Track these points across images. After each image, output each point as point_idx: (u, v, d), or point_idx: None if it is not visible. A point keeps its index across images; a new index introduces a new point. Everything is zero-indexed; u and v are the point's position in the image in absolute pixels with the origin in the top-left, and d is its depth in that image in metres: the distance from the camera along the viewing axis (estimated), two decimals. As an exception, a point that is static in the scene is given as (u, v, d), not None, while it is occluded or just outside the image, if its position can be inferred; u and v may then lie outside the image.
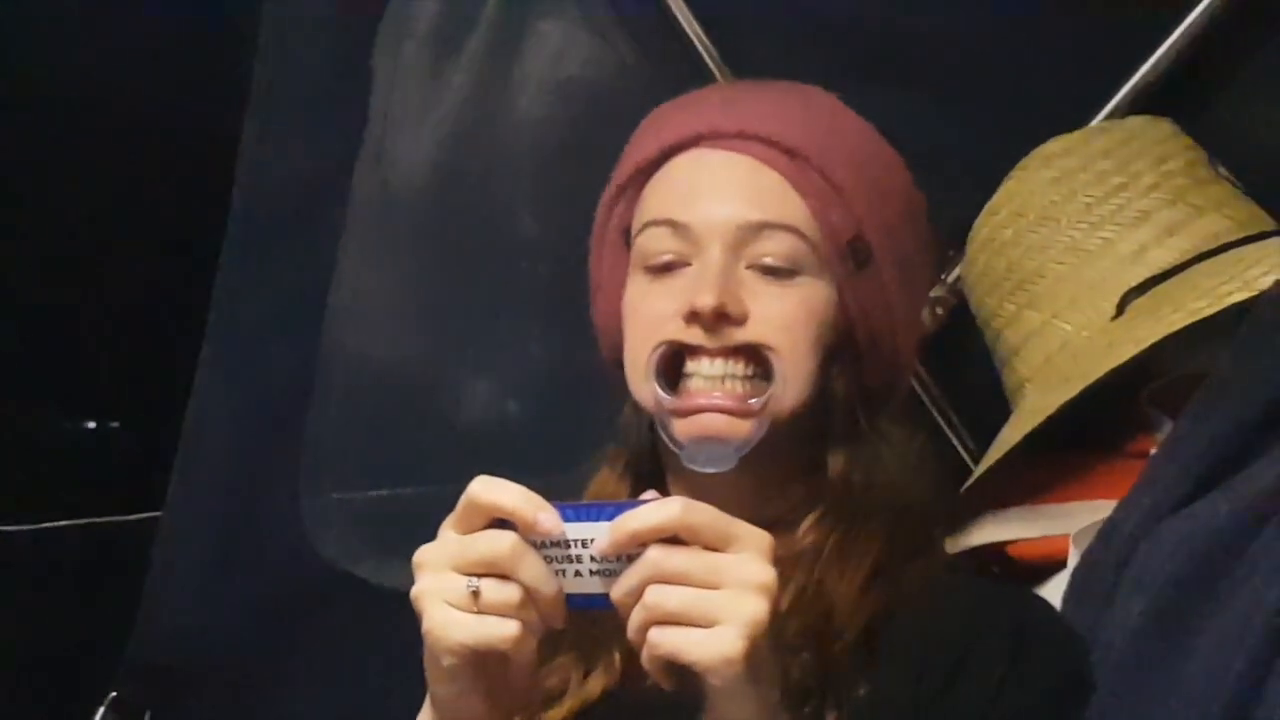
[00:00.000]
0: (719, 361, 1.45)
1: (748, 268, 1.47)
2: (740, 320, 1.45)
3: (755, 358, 1.46)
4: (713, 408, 1.44)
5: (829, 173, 1.50)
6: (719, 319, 1.44)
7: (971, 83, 2.07)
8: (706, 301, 1.43)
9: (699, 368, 1.46)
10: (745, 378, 1.45)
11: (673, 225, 1.49)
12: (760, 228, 1.47)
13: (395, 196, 2.26)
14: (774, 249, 1.47)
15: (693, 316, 1.44)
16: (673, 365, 1.47)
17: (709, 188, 1.49)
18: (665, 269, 1.49)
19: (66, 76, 2.26)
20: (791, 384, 1.46)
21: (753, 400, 1.44)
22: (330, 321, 2.26)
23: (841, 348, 1.50)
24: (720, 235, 1.47)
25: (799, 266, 1.47)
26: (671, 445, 1.46)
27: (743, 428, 1.44)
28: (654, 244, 1.50)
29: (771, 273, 1.47)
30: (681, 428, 1.45)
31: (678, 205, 1.49)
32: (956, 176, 1.96)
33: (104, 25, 2.27)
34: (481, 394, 2.26)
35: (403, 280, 2.28)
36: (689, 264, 1.48)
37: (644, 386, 1.48)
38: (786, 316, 1.46)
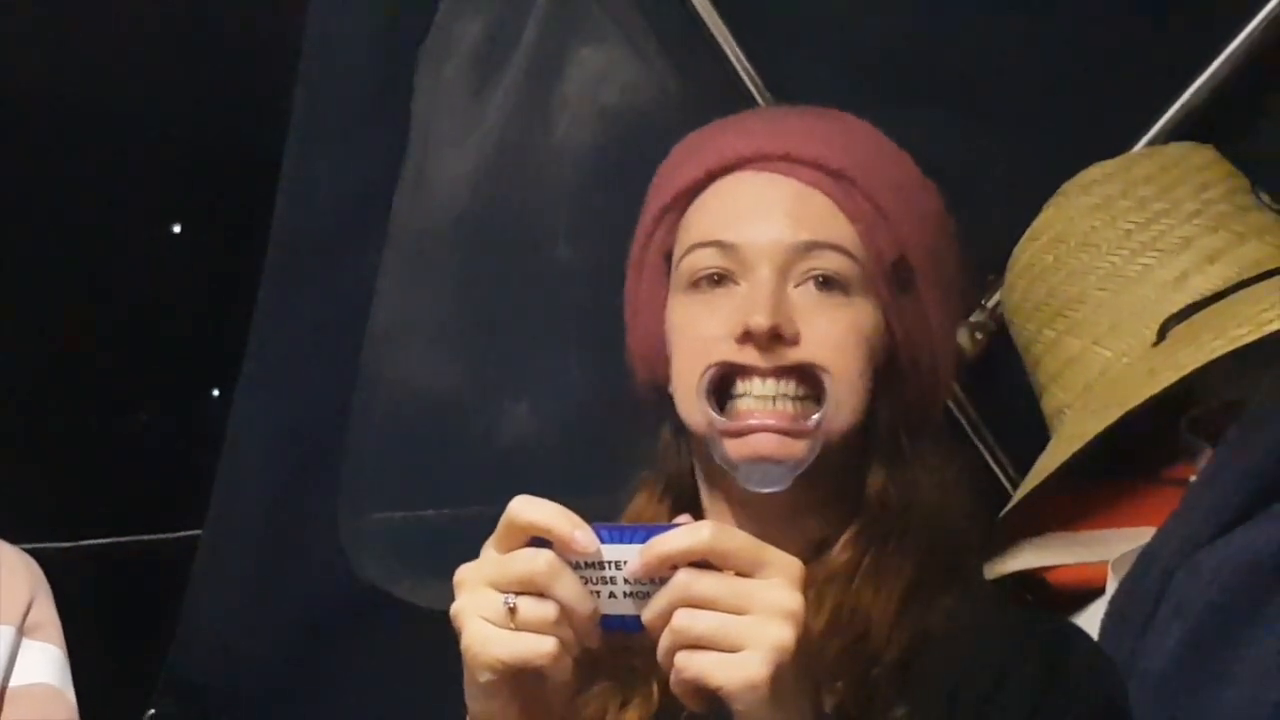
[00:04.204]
0: (770, 382, 1.45)
1: (797, 286, 1.47)
2: (793, 340, 1.45)
3: (807, 378, 1.45)
4: (766, 428, 1.44)
5: (874, 195, 1.50)
6: (773, 339, 1.44)
7: (1013, 108, 2.07)
8: (760, 322, 1.43)
9: (750, 388, 1.45)
10: (796, 398, 1.45)
11: (720, 246, 1.49)
12: (810, 248, 1.47)
13: (435, 219, 2.26)
14: (824, 265, 1.47)
15: (746, 337, 1.44)
16: (721, 386, 1.47)
17: (757, 209, 1.49)
18: (713, 282, 1.48)
19: (107, 98, 2.28)
20: (843, 405, 1.45)
21: (810, 420, 1.44)
22: (369, 343, 2.27)
23: (886, 369, 1.50)
24: (770, 256, 1.47)
25: (848, 286, 1.47)
26: (724, 466, 1.45)
27: (796, 448, 1.44)
28: (702, 264, 1.50)
29: (823, 286, 1.46)
30: (734, 448, 1.45)
31: (725, 227, 1.49)
32: (997, 202, 1.96)
33: (145, 47, 2.29)
34: (519, 417, 2.26)
35: (441, 303, 2.28)
36: (737, 283, 1.48)
37: (695, 408, 1.47)
38: (838, 337, 1.46)
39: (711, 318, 1.47)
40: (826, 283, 1.47)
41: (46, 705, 1.85)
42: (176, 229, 2.41)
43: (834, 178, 1.49)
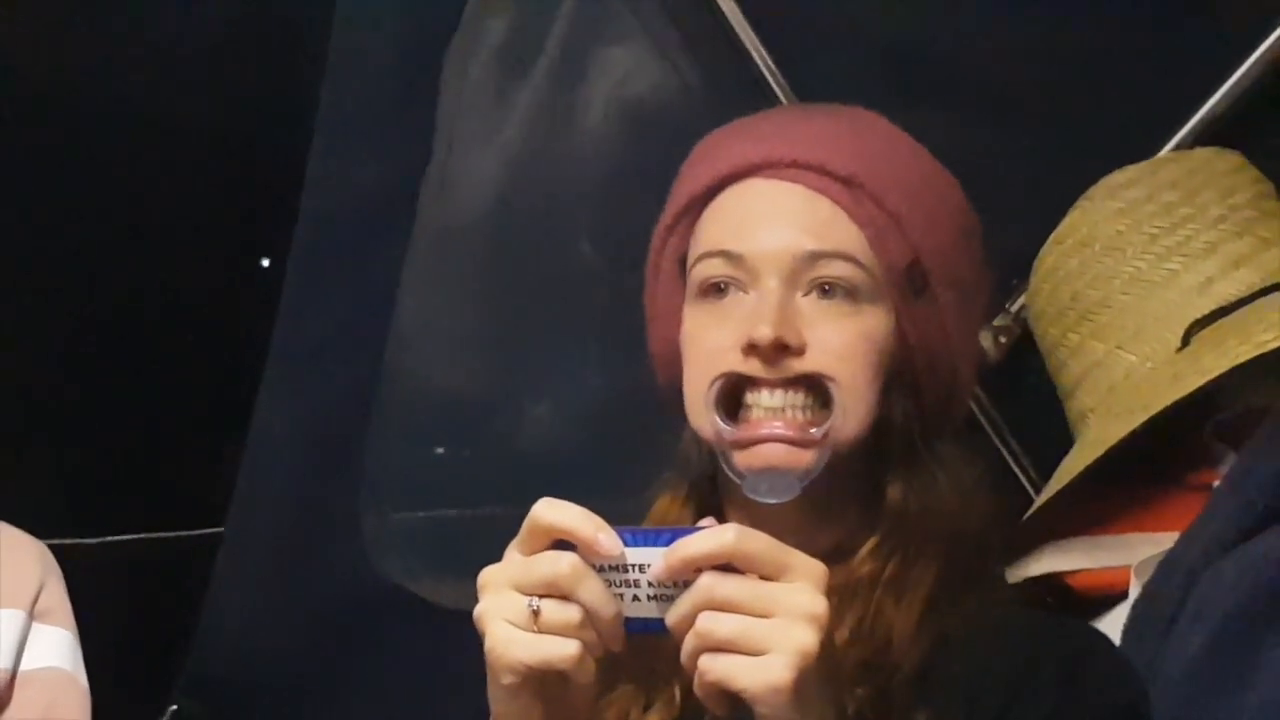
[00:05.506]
0: (778, 393, 1.44)
1: (804, 295, 1.46)
2: (799, 351, 1.44)
3: (815, 388, 1.44)
4: (773, 438, 1.43)
5: (884, 200, 1.48)
6: (778, 351, 1.43)
7: (1039, 112, 2.07)
8: (764, 333, 1.42)
9: (758, 399, 1.44)
10: (805, 408, 1.44)
11: (727, 256, 1.48)
12: (816, 257, 1.46)
13: (459, 218, 2.27)
14: (831, 273, 1.47)
15: (751, 349, 1.43)
16: (732, 396, 1.46)
17: (764, 218, 1.48)
18: (721, 291, 1.48)
19: (137, 95, 2.28)
20: (851, 413, 1.45)
21: (814, 430, 1.43)
22: (392, 342, 2.27)
23: (900, 374, 1.49)
24: (776, 266, 1.46)
25: (856, 294, 1.47)
26: (733, 476, 1.45)
27: (804, 457, 1.43)
28: (710, 273, 1.50)
29: (829, 295, 1.46)
30: (742, 459, 1.44)
31: (732, 236, 1.49)
32: (1022, 205, 1.96)
33: (175, 45, 2.29)
34: (542, 417, 2.27)
35: (464, 302, 2.29)
36: (745, 292, 1.47)
37: (704, 418, 1.47)
38: (845, 346, 1.45)
39: (719, 328, 1.47)
40: (833, 291, 1.45)
41: (58, 689, 1.86)
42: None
43: (842, 184, 1.48)
